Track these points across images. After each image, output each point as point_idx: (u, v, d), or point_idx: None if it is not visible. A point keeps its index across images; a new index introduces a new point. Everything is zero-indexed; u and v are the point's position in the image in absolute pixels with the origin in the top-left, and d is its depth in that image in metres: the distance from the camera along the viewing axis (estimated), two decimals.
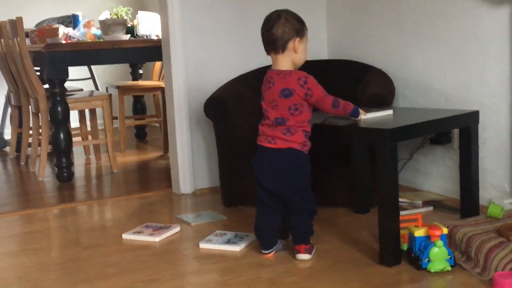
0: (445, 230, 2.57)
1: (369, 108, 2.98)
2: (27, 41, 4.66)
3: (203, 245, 2.98)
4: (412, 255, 2.60)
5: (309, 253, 2.76)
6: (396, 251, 2.63)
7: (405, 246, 2.68)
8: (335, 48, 4.26)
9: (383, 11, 3.83)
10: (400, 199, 3.33)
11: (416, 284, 2.47)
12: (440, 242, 2.51)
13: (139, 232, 3.20)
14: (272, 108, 2.70)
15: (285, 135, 2.68)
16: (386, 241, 2.63)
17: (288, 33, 2.66)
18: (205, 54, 4.00)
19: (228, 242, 2.97)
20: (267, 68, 2.80)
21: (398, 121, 2.89)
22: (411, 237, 2.62)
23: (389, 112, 3.00)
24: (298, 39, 2.67)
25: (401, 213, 3.09)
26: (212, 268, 2.73)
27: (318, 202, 3.38)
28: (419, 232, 2.58)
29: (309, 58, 4.02)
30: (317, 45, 4.28)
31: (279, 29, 2.66)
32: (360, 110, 2.85)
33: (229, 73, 3.92)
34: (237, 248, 2.91)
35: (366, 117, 2.86)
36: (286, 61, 2.70)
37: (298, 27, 2.68)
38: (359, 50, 4.03)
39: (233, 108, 3.61)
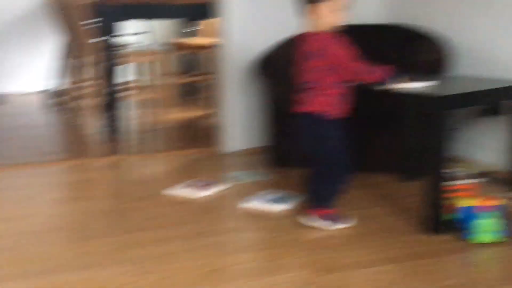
0: (501, 201, 2.52)
1: (413, 77, 2.84)
2: None
3: (248, 204, 3.00)
4: (457, 225, 2.57)
5: (315, 220, 2.70)
6: (439, 221, 2.61)
7: (450, 216, 2.65)
8: (391, 11, 4.17)
9: None
10: (452, 169, 3.31)
11: (458, 254, 2.45)
12: (488, 214, 2.48)
13: (185, 187, 3.24)
14: (302, 72, 2.68)
15: (308, 98, 2.66)
16: (431, 209, 2.60)
17: (301, 0, 2.64)
18: (261, 12, 3.96)
19: (273, 201, 2.99)
20: None
21: (452, 90, 2.83)
22: (457, 207, 2.59)
23: (431, 83, 2.81)
24: (311, 6, 2.60)
25: (453, 182, 3.06)
26: (256, 226, 2.76)
27: (365, 168, 3.38)
28: (465, 203, 2.55)
29: (362, 22, 4.00)
30: (371, 8, 4.20)
31: None
32: (398, 79, 2.71)
33: (284, 33, 3.88)
34: (282, 207, 2.92)
35: (406, 86, 2.72)
36: (311, 25, 2.65)
37: None
38: (418, 14, 3.92)
39: (284, 69, 3.58)
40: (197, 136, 4.79)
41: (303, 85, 2.68)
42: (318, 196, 2.73)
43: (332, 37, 2.60)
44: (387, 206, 2.97)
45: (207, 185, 3.27)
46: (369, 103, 2.94)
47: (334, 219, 2.72)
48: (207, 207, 3.02)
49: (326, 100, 2.64)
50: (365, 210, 2.92)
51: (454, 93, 2.72)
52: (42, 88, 6.33)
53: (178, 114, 5.47)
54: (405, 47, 3.69)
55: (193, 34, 6.26)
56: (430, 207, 2.60)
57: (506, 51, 3.38)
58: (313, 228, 2.70)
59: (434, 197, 2.58)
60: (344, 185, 2.77)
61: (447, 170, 2.65)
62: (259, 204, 2.98)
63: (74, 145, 4.47)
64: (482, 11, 3.52)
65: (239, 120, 4.03)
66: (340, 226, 2.71)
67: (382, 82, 2.68)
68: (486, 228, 2.49)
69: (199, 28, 6.35)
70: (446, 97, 2.62)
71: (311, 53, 2.61)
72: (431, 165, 2.61)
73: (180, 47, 5.81)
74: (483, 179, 3.31)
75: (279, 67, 3.59)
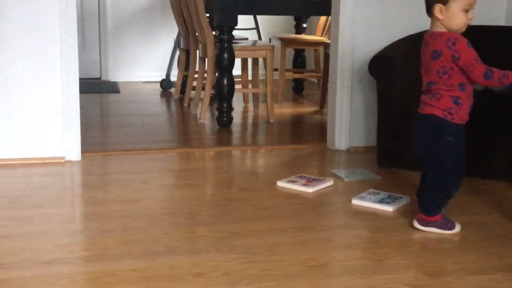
0: None
1: None
2: None
3: (355, 202, 2.99)
4: None
5: (423, 225, 2.64)
6: None
7: None
8: None
9: None
10: None
11: None
12: None
13: (293, 181, 3.26)
14: (426, 72, 2.60)
15: (430, 99, 2.57)
16: None
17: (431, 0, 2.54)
18: (374, 12, 3.93)
19: (381, 201, 2.96)
20: None
21: None
22: None
23: None
24: (440, 5, 2.50)
25: None
26: (363, 225, 2.74)
27: (477, 173, 3.29)
28: None
29: (484, 23, 3.88)
30: (493, 9, 4.06)
31: None
32: None
33: (398, 32, 3.83)
34: (390, 208, 2.89)
35: None
36: (436, 24, 2.56)
37: None
38: None
39: (399, 68, 3.54)
40: (306, 132, 4.82)
41: (427, 86, 2.62)
42: (427, 203, 2.65)
43: (459, 37, 2.52)
44: (501, 214, 2.87)
45: (316, 180, 3.28)
46: (488, 107, 2.85)
47: (442, 225, 2.65)
48: (314, 202, 3.03)
49: (449, 102, 2.55)
50: (478, 216, 2.84)
51: None
52: (158, 78, 6.56)
53: (288, 109, 5.52)
54: None
55: (304, 30, 6.29)
56: None
57: None
58: (422, 231, 2.65)
59: None
60: (455, 193, 2.68)
61: None
62: (367, 203, 2.96)
63: (187, 134, 4.61)
64: None
65: (349, 118, 4.01)
66: (448, 232, 2.64)
67: (508, 88, 2.53)
68: None
69: (310, 25, 6.37)
70: None
71: (437, 53, 2.54)
72: None
73: (291, 43, 5.85)
74: None
75: (393, 67, 3.54)
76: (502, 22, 4.08)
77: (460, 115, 2.57)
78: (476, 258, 2.40)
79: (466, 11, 2.51)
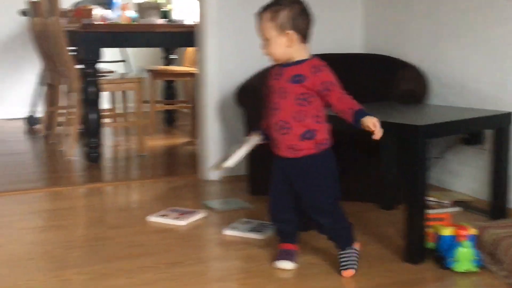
0: (473, 231, 2.54)
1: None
2: (63, 21, 4.70)
3: (227, 232, 2.98)
4: (438, 254, 2.57)
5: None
6: (421, 249, 2.61)
7: (431, 245, 2.65)
8: (371, 42, 4.22)
9: (422, 7, 3.78)
10: (428, 198, 3.32)
11: (439, 283, 2.45)
12: (467, 243, 2.48)
13: (165, 215, 3.21)
14: None
15: None
16: (412, 238, 2.60)
17: None
18: (240, 42, 3.98)
19: (253, 230, 2.97)
20: None
21: (431, 118, 2.86)
22: (438, 236, 2.59)
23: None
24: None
25: (429, 211, 3.07)
26: (235, 255, 2.73)
27: (343, 196, 3.37)
28: (446, 232, 2.55)
29: (343, 51, 4.04)
30: (351, 38, 4.25)
31: None
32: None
33: (263, 62, 3.90)
34: (261, 236, 2.90)
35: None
36: None
37: None
38: (395, 45, 3.98)
39: (264, 97, 3.59)
40: (179, 164, 4.77)
41: None
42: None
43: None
44: (368, 235, 2.96)
45: (188, 213, 3.25)
46: (346, 131, 2.94)
47: (279, 254, 2.60)
48: (187, 235, 2.99)
49: None
50: None
51: (436, 122, 2.75)
52: (23, 115, 6.29)
53: (160, 141, 5.46)
54: (387, 76, 3.72)
55: (174, 62, 6.28)
56: (413, 235, 2.60)
57: (476, 81, 3.42)
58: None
59: (417, 225, 2.58)
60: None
61: (426, 199, 2.65)
62: (239, 232, 2.96)
63: (55, 172, 4.43)
64: (451, 42, 3.57)
65: (219, 148, 4.02)
66: (280, 265, 2.56)
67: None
68: (466, 257, 2.49)
69: (180, 56, 6.37)
70: (428, 126, 2.64)
71: None
72: (411, 194, 2.60)
73: (160, 74, 5.82)
74: (458, 208, 3.33)
75: (258, 96, 3.59)
76: (359, 50, 4.27)
77: (274, 147, 2.60)
78: (348, 280, 2.45)
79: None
